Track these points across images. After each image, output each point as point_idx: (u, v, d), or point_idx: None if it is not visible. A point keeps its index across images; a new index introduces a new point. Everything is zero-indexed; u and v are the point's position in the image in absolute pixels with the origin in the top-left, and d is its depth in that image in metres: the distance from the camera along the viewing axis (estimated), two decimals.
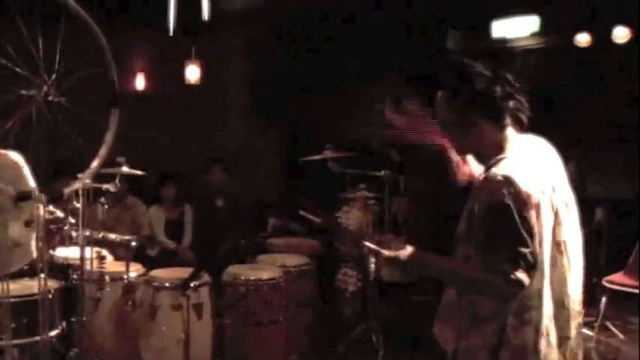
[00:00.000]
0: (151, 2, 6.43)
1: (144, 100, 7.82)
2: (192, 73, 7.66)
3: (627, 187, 6.90)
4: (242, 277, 4.86)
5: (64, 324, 4.40)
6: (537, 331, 2.41)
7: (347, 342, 5.50)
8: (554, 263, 2.44)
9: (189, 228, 7.07)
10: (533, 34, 8.43)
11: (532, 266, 2.31)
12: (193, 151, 7.89)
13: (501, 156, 2.45)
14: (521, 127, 2.50)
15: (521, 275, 2.29)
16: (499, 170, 2.37)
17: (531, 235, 2.31)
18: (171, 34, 5.62)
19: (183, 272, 4.69)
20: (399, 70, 8.29)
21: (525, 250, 2.29)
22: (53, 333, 4.25)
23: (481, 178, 2.49)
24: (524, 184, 2.33)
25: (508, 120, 2.46)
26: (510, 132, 2.48)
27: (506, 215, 2.29)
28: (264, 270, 5.02)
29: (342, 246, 5.67)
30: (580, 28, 7.67)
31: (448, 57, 8.86)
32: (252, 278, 4.85)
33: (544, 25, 8.27)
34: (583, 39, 7.67)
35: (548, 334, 2.43)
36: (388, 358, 5.29)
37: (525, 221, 2.30)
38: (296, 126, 8.77)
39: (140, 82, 8.16)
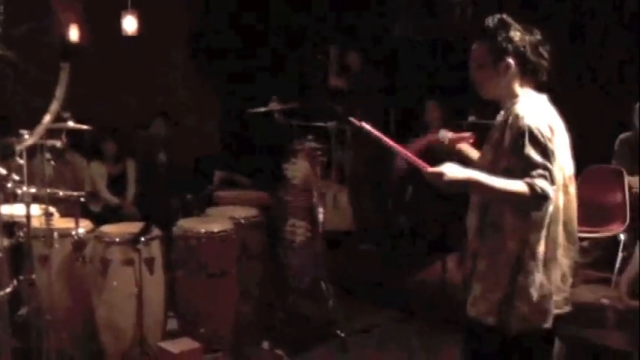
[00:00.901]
0: None
1: (80, 53, 7.60)
2: (129, 24, 7.48)
3: None
4: (193, 230, 4.85)
5: (14, 282, 4.33)
6: (555, 242, 2.84)
7: (297, 292, 5.56)
8: (566, 191, 2.88)
9: (132, 183, 6.99)
10: None
11: (553, 182, 2.69)
12: (133, 104, 7.75)
13: (517, 99, 2.89)
14: (539, 84, 2.93)
15: (547, 188, 2.66)
16: (520, 106, 2.83)
17: (553, 155, 2.72)
18: None
19: (134, 227, 4.68)
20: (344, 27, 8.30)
21: (551, 167, 2.70)
22: (2, 292, 4.18)
23: (503, 116, 2.90)
24: (543, 116, 2.80)
25: (531, 72, 2.90)
26: (527, 86, 2.92)
27: (534, 137, 2.71)
28: (214, 222, 5.01)
29: (289, 197, 5.68)
30: None
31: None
32: (203, 231, 4.83)
33: None
34: None
35: (563, 245, 2.87)
36: (338, 307, 5.36)
37: (548, 143, 2.72)
38: (238, 77, 8.67)
39: (74, 34, 7.92)
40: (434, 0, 8.77)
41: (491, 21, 2.89)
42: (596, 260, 6.49)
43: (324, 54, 7.27)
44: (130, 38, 7.54)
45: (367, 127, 3.00)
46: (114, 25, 7.50)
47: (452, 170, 2.72)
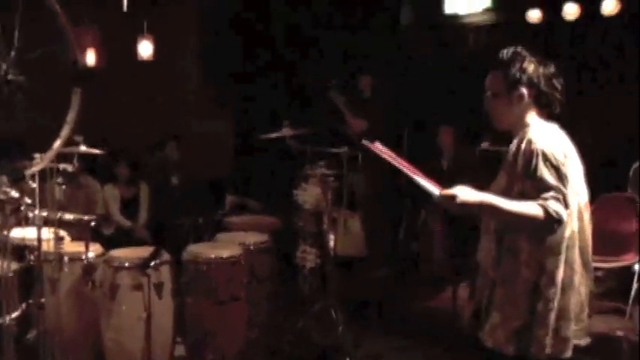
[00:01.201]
0: None
1: (96, 77, 7.67)
2: (145, 48, 7.56)
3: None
4: (202, 255, 4.84)
5: (23, 306, 4.34)
6: (572, 268, 2.84)
7: (306, 318, 5.53)
8: (581, 217, 2.90)
9: (144, 206, 6.99)
10: (486, 10, 8.52)
11: (567, 206, 2.72)
12: (148, 128, 7.79)
13: (529, 128, 2.92)
14: (551, 113, 2.99)
15: (561, 211, 2.69)
16: (533, 132, 2.87)
17: (566, 179, 2.75)
18: (125, 9, 5.53)
19: (143, 252, 4.67)
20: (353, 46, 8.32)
21: (565, 190, 2.73)
22: (13, 315, 4.19)
23: (516, 143, 2.92)
24: (556, 142, 2.85)
25: (544, 102, 2.96)
26: (538, 115, 2.96)
27: (548, 159, 2.75)
28: (224, 248, 5.00)
29: (300, 222, 5.67)
30: (531, 5, 7.78)
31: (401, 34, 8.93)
32: (213, 256, 4.83)
33: (496, 2, 8.37)
34: (534, 15, 7.79)
35: (579, 272, 2.87)
36: (347, 333, 5.33)
37: (561, 167, 2.76)
38: (251, 102, 8.72)
39: (91, 59, 8.01)
40: (448, 26, 8.81)
41: (505, 53, 2.97)
42: (610, 290, 6.43)
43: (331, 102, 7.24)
44: (146, 62, 7.60)
45: (379, 148, 3.01)
46: (129, 49, 7.57)
47: (464, 193, 2.76)
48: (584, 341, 2.94)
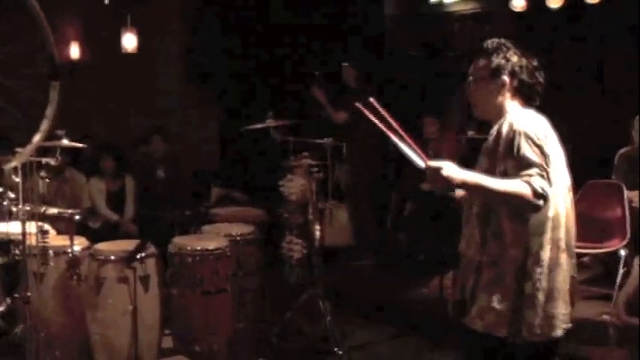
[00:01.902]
0: None
1: (80, 70, 7.66)
2: (129, 41, 7.53)
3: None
4: (188, 247, 4.83)
5: (8, 300, 4.34)
6: (559, 247, 2.87)
7: (294, 309, 5.54)
8: (565, 199, 2.92)
9: (131, 200, 6.97)
10: None
11: (550, 183, 2.74)
12: (132, 121, 7.78)
13: (508, 114, 2.95)
14: (531, 102, 3.01)
15: (546, 187, 2.71)
16: (512, 115, 2.91)
17: (549, 158, 2.77)
18: (106, 2, 5.51)
19: (128, 245, 4.66)
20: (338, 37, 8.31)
21: (548, 168, 2.74)
22: None
23: (497, 128, 2.93)
24: (537, 123, 2.87)
25: (526, 93, 2.99)
26: (518, 102, 2.99)
27: (530, 138, 2.77)
28: (209, 240, 5.00)
29: (285, 214, 5.68)
30: None
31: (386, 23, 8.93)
32: (199, 248, 4.82)
33: None
34: (518, 4, 7.80)
35: (566, 250, 2.90)
36: (334, 323, 5.34)
37: (544, 145, 2.77)
38: (235, 95, 8.70)
39: (75, 52, 7.98)
40: (433, 16, 8.82)
41: (490, 43, 3.02)
42: (597, 276, 6.48)
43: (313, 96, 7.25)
44: (130, 55, 7.58)
45: (374, 108, 3.00)
46: (113, 42, 7.54)
47: (451, 167, 2.77)
48: (568, 326, 2.94)
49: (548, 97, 3.05)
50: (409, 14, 8.94)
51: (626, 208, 6.10)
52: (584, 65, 7.55)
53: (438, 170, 2.76)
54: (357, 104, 3.12)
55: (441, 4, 8.78)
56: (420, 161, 2.88)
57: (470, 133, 7.32)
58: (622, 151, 6.57)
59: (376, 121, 2.96)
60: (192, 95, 8.69)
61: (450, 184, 2.78)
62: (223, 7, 8.46)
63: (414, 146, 2.90)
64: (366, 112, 3.01)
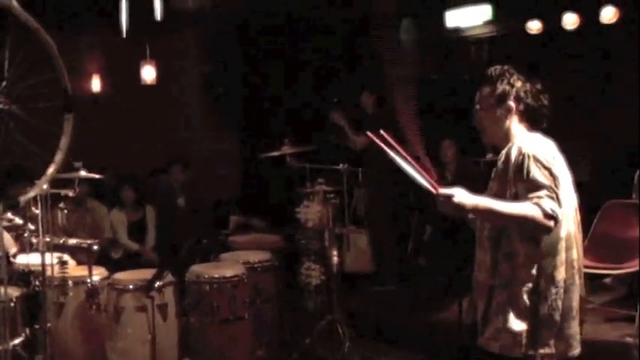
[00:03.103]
0: (104, 4, 6.40)
1: (101, 102, 7.79)
2: (148, 73, 7.65)
3: (583, 169, 7.06)
4: (205, 275, 4.88)
5: (27, 331, 4.39)
6: (573, 267, 2.91)
7: (313, 335, 5.54)
8: (575, 220, 2.97)
9: (152, 229, 7.04)
10: (486, 23, 8.54)
11: (560, 204, 2.77)
12: (152, 151, 7.87)
13: (516, 138, 2.99)
14: (538, 125, 3.05)
15: (556, 208, 2.74)
16: (520, 140, 2.95)
17: (557, 180, 2.81)
18: (124, 35, 5.61)
19: (147, 274, 4.70)
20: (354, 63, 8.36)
21: (557, 190, 2.78)
22: (17, 341, 4.26)
23: (505, 153, 2.97)
24: (544, 146, 2.92)
25: (531, 116, 3.03)
26: (525, 129, 3.03)
27: (538, 161, 2.81)
28: (227, 267, 5.04)
29: (303, 240, 5.71)
30: (531, 16, 7.80)
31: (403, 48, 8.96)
32: (216, 276, 4.86)
33: (496, 14, 8.39)
34: (534, 26, 7.81)
35: (579, 270, 2.95)
36: (354, 349, 5.33)
37: (552, 167, 2.82)
38: (253, 123, 8.78)
39: (96, 85, 8.12)
40: (450, 40, 8.85)
41: (494, 70, 3.07)
42: (620, 297, 6.39)
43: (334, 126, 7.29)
44: (149, 86, 7.70)
45: (385, 140, 3.02)
46: (133, 74, 7.66)
47: (461, 194, 2.80)
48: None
49: (567, 117, 3.07)
50: (426, 38, 8.98)
51: None
52: (602, 85, 7.52)
53: (449, 197, 2.80)
54: (369, 133, 3.14)
55: (457, 29, 8.81)
56: (431, 188, 2.90)
57: (488, 156, 7.32)
58: None
59: (388, 151, 2.98)
60: (212, 124, 8.78)
61: (461, 210, 2.80)
62: (241, 36, 8.57)
63: (426, 174, 2.92)
64: (378, 142, 3.04)
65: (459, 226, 3.32)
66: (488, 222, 2.98)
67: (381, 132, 3.03)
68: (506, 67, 3.07)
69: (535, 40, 7.83)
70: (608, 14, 7.21)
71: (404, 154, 2.95)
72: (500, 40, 8.45)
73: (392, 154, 2.97)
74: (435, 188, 2.88)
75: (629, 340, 5.55)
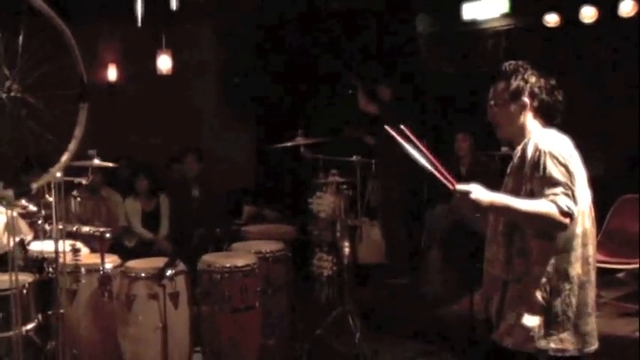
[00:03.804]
0: None
1: (116, 92, 7.83)
2: (164, 62, 7.67)
3: (596, 165, 7.01)
4: (217, 264, 4.90)
5: (40, 317, 4.44)
6: (589, 264, 2.92)
7: (324, 326, 5.56)
8: (590, 216, 2.97)
9: (165, 218, 7.08)
10: (504, 16, 8.50)
11: (576, 201, 2.77)
12: (166, 141, 7.90)
13: (531, 134, 2.99)
14: (552, 121, 3.05)
15: (572, 205, 2.74)
16: (536, 136, 2.95)
17: (573, 176, 2.81)
18: (139, 24, 5.63)
19: (159, 262, 4.73)
20: (372, 56, 8.34)
21: (574, 187, 2.79)
22: (29, 327, 4.30)
23: (521, 149, 2.96)
24: (560, 142, 2.92)
25: (546, 112, 3.03)
26: (540, 124, 3.03)
27: (555, 157, 2.81)
28: (238, 257, 5.06)
29: (316, 231, 5.71)
30: (549, 9, 7.75)
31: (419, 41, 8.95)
32: (228, 265, 4.88)
33: (513, 6, 8.35)
34: (552, 19, 7.76)
35: (594, 266, 2.95)
36: (365, 340, 5.35)
37: (569, 164, 2.82)
38: (268, 113, 8.79)
39: (112, 74, 8.16)
40: (467, 32, 8.81)
41: (508, 65, 3.07)
42: (633, 293, 6.36)
43: (354, 87, 7.31)
44: (165, 76, 7.72)
45: (401, 133, 3.01)
46: (149, 64, 7.69)
47: (478, 191, 2.80)
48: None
49: (582, 111, 3.07)
50: (442, 32, 8.94)
51: None
52: (618, 79, 7.46)
53: (466, 194, 2.80)
54: (387, 127, 3.13)
55: (474, 22, 8.76)
56: (448, 184, 2.89)
57: (503, 149, 7.29)
58: None
59: (406, 145, 2.97)
60: (227, 114, 8.80)
61: (478, 207, 2.80)
62: (257, 27, 8.57)
63: (443, 170, 2.92)
64: (396, 136, 3.02)
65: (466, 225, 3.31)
66: (504, 219, 2.98)
67: (401, 126, 3.02)
68: (520, 63, 3.07)
69: (552, 33, 7.78)
70: (627, 7, 7.16)
71: (422, 148, 2.95)
72: (518, 33, 8.40)
73: (409, 148, 2.95)
74: (452, 184, 2.87)
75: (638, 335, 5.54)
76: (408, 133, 3.00)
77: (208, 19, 8.28)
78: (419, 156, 2.92)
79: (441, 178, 2.90)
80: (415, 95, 8.18)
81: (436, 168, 2.91)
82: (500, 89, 3.07)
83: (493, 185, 3.08)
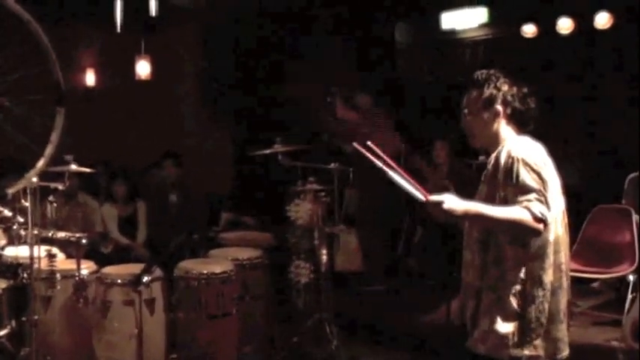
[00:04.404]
0: None
1: (94, 97, 7.79)
2: (142, 68, 7.64)
3: (572, 173, 7.08)
4: (194, 271, 4.89)
5: (13, 323, 4.40)
6: (561, 270, 2.93)
7: (301, 333, 5.55)
8: (563, 223, 2.98)
9: (143, 224, 7.02)
10: (482, 26, 8.58)
11: (549, 208, 2.80)
12: (144, 146, 7.86)
13: (505, 142, 3.00)
14: (526, 128, 3.06)
15: (545, 212, 2.77)
16: (510, 143, 2.96)
17: (547, 183, 2.83)
18: (118, 30, 5.61)
19: (136, 268, 4.73)
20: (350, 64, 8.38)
21: (547, 193, 2.81)
22: (2, 333, 4.27)
23: (494, 157, 2.98)
24: (533, 149, 2.93)
25: (519, 119, 3.04)
26: (512, 129, 3.04)
27: (527, 164, 2.83)
28: (215, 264, 5.05)
29: (293, 238, 5.71)
30: (526, 19, 7.84)
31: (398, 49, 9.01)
32: (205, 272, 4.87)
33: (492, 17, 8.43)
34: (529, 30, 7.85)
35: (567, 273, 2.97)
36: (342, 348, 5.35)
37: (541, 171, 2.84)
38: (247, 121, 8.79)
39: (90, 79, 8.11)
40: (444, 42, 8.88)
41: (480, 74, 3.08)
42: (608, 302, 6.43)
43: (332, 94, 7.34)
44: (144, 81, 7.69)
45: (369, 149, 3.03)
46: (128, 69, 7.66)
47: (451, 200, 2.81)
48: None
49: (558, 120, 3.09)
50: (421, 41, 9.01)
51: (636, 232, 6.07)
52: (594, 90, 7.55)
53: (439, 204, 2.81)
54: (355, 145, 3.14)
55: (453, 31, 8.83)
56: (420, 196, 2.90)
57: (481, 158, 7.34)
58: (632, 175, 6.55)
59: (375, 160, 2.98)
60: (206, 120, 8.79)
61: (452, 216, 2.81)
62: (236, 33, 8.58)
63: (413, 182, 2.92)
64: (365, 152, 3.04)
65: (448, 228, 3.33)
66: (478, 226, 2.99)
67: (368, 143, 3.04)
68: (492, 71, 3.08)
69: (530, 43, 7.86)
70: (603, 20, 7.25)
71: (391, 163, 2.95)
72: (496, 43, 8.48)
73: (379, 163, 2.96)
74: (424, 195, 2.88)
75: (615, 344, 5.58)
76: (376, 149, 3.02)
77: (188, 25, 8.26)
78: (390, 171, 2.92)
79: (413, 191, 2.90)
80: (393, 103, 8.22)
81: (408, 181, 2.92)
82: (473, 97, 3.07)
83: (471, 192, 3.11)
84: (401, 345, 5.86)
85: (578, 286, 5.98)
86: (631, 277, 5.91)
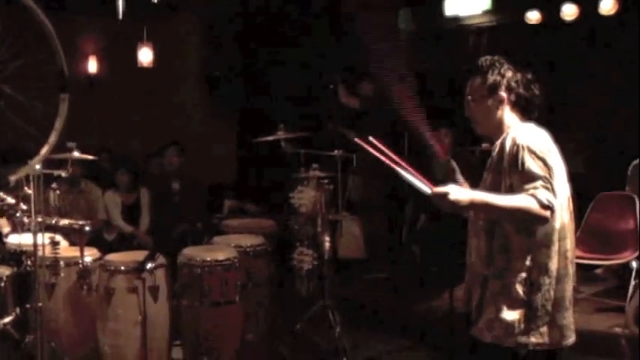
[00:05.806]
0: None
1: (97, 84, 7.78)
2: (145, 56, 7.64)
3: (576, 161, 7.08)
4: (197, 258, 4.87)
5: (18, 310, 4.41)
6: (566, 258, 2.93)
7: (304, 320, 5.56)
8: (569, 210, 2.98)
9: (146, 212, 7.04)
10: (485, 12, 8.53)
11: (555, 195, 2.79)
12: (147, 134, 7.87)
13: (510, 129, 2.99)
14: (530, 115, 3.06)
15: (551, 199, 2.76)
16: (515, 131, 2.95)
17: (552, 170, 2.82)
18: (120, 17, 5.60)
19: (139, 255, 4.70)
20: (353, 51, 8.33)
21: (552, 180, 2.80)
22: (7, 320, 4.28)
23: (499, 144, 2.97)
24: (539, 136, 2.92)
25: (523, 106, 3.03)
26: (518, 118, 3.04)
27: (533, 152, 2.82)
28: (219, 251, 5.04)
29: (296, 225, 5.71)
30: (530, 6, 7.80)
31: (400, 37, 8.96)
32: (208, 259, 4.85)
33: (495, 3, 8.38)
34: (533, 16, 7.81)
35: (572, 260, 2.96)
36: (344, 334, 5.36)
37: (547, 158, 2.83)
38: (250, 108, 8.78)
39: (92, 66, 8.11)
40: (448, 29, 8.83)
41: (484, 60, 3.06)
42: (611, 288, 6.43)
43: (334, 81, 7.33)
44: (146, 69, 7.69)
45: (372, 144, 3.03)
46: (130, 57, 7.65)
47: (456, 191, 2.80)
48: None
49: (562, 107, 3.07)
50: (424, 28, 8.96)
51: (639, 219, 6.07)
52: (599, 76, 7.52)
53: (444, 195, 2.79)
54: (357, 139, 3.14)
55: (456, 18, 8.79)
56: (425, 188, 2.88)
57: (484, 145, 7.33)
58: (636, 162, 6.54)
59: (378, 154, 2.98)
60: (209, 108, 8.78)
61: (457, 207, 2.80)
62: (240, 22, 8.55)
63: (418, 174, 2.91)
64: (367, 147, 3.04)
65: (452, 215, 3.33)
66: (484, 215, 2.98)
67: (370, 138, 3.03)
68: (496, 58, 3.06)
69: (534, 30, 7.82)
70: (607, 6, 7.21)
71: (394, 157, 2.94)
72: (499, 30, 8.44)
73: (382, 157, 2.95)
74: (429, 187, 2.87)
75: (618, 330, 5.59)
76: (377, 143, 3.01)
77: (190, 12, 8.24)
78: (394, 165, 2.92)
79: (418, 183, 2.89)
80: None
81: (411, 174, 2.91)
82: (477, 84, 3.06)
83: (475, 180, 3.10)
84: (404, 332, 5.88)
85: (582, 272, 5.97)
86: (634, 264, 5.91)
